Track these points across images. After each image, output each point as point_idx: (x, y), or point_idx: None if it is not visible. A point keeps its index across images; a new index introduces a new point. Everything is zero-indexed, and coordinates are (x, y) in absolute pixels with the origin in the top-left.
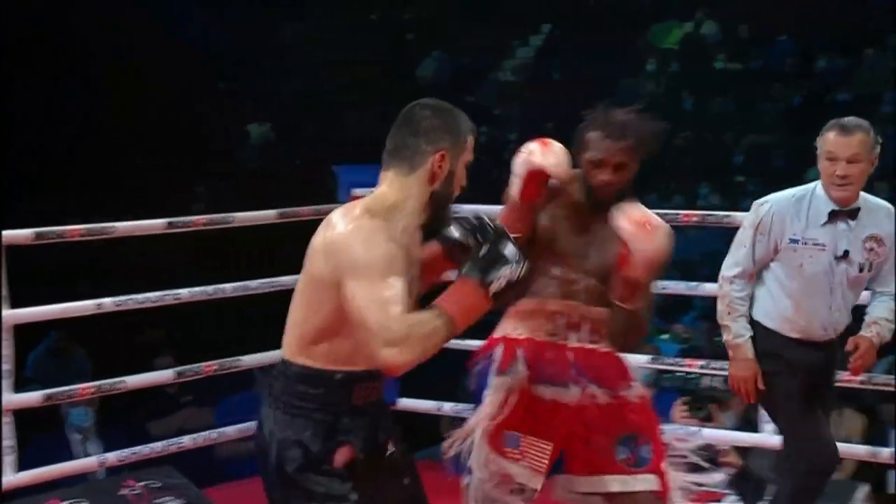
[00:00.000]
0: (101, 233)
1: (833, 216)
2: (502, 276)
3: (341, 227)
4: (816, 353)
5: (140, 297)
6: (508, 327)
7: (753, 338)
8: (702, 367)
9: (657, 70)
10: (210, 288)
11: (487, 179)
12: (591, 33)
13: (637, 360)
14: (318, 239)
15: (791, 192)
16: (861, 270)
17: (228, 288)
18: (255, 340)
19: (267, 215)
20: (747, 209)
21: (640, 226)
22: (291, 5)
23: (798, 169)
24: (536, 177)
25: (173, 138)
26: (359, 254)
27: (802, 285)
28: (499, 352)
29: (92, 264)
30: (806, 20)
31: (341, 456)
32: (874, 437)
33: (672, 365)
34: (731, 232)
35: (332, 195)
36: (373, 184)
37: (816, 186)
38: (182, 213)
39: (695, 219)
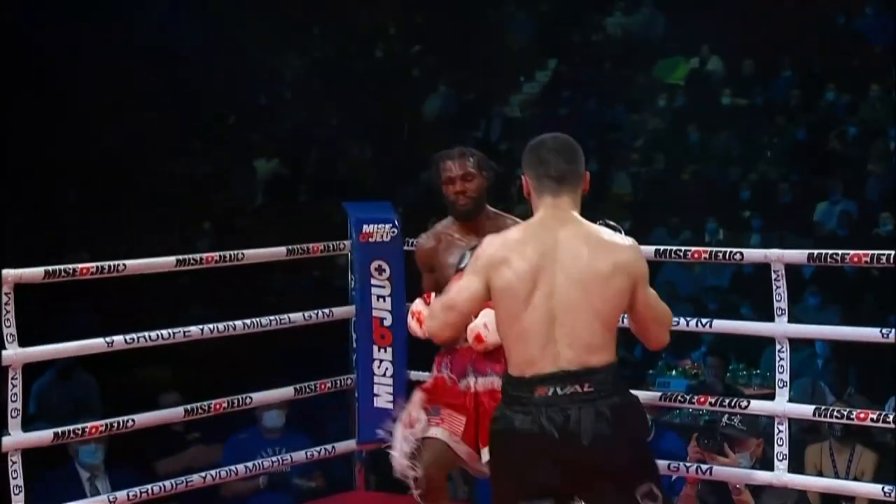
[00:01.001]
0: (112, 271)
1: None
2: None
3: (622, 247)
4: None
5: (152, 334)
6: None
7: None
8: (712, 404)
9: (664, 105)
10: (221, 325)
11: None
12: (596, 68)
13: (647, 397)
14: (603, 260)
15: None
16: None
17: (239, 324)
18: (261, 377)
19: (277, 252)
20: (754, 245)
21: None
22: (294, 38)
23: (804, 203)
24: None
25: (175, 175)
26: (644, 265)
27: None
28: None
29: (96, 299)
30: (809, 55)
31: None
32: (887, 475)
33: (682, 402)
34: (738, 267)
35: (343, 231)
36: (382, 220)
37: None
38: (187, 249)
39: (705, 255)
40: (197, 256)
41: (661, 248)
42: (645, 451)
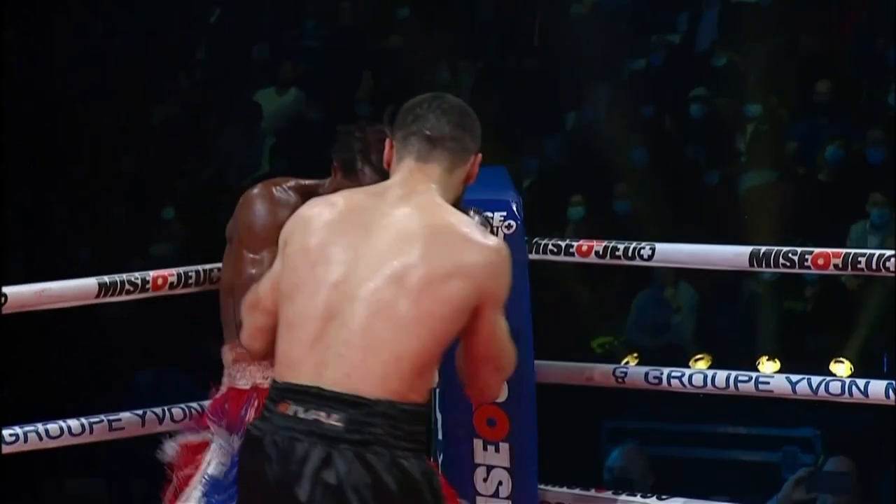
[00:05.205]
0: None
1: None
2: None
3: (477, 245)
4: None
5: (73, 423)
6: (236, 375)
7: None
8: None
9: None
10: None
11: None
12: None
13: None
14: (441, 255)
15: None
16: None
17: None
18: None
19: None
20: None
21: None
22: None
23: None
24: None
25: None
26: (505, 281)
27: None
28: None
29: None
30: None
31: None
32: None
33: None
34: None
35: None
36: (491, 203)
37: None
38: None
39: (835, 262)
40: (136, 277)
41: (765, 249)
42: None
